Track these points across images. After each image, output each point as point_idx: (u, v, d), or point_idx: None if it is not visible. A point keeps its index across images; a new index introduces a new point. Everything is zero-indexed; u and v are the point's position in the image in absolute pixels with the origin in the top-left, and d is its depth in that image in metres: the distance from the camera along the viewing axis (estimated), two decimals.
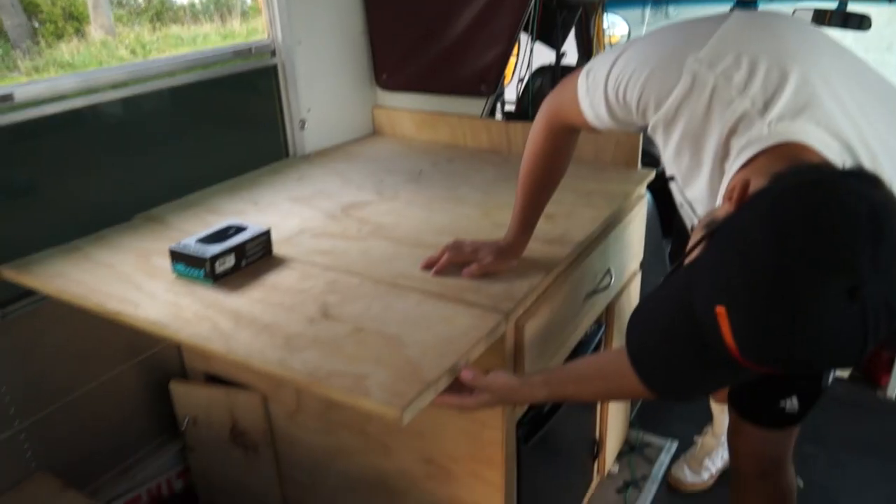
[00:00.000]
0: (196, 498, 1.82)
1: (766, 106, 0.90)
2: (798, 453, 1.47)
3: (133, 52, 9.98)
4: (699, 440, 2.09)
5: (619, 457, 2.13)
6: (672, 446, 2.18)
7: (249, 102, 1.92)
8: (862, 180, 0.71)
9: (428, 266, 1.28)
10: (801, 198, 0.70)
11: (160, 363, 1.71)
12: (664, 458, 2.13)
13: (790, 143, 0.87)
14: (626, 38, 3.17)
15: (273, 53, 1.83)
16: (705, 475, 2.02)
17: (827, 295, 0.65)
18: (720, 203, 0.95)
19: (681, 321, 0.78)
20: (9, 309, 1.38)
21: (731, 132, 0.93)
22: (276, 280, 1.28)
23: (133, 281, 1.27)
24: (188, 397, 1.67)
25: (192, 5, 11.00)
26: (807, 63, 0.92)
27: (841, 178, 0.72)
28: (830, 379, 1.30)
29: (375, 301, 1.20)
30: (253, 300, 1.21)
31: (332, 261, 1.35)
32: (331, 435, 1.53)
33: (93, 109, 1.51)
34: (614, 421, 1.97)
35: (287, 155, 1.96)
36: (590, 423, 1.84)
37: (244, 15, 11.68)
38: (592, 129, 1.17)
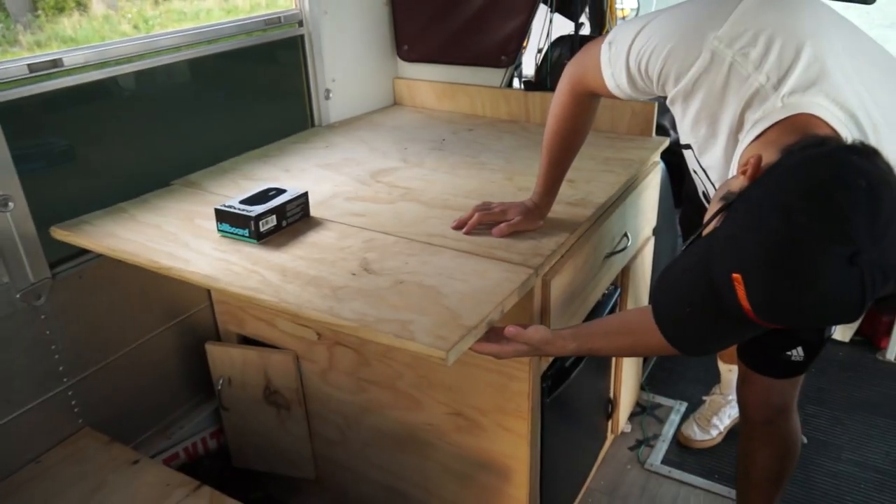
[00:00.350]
0: (229, 457, 1.90)
1: (780, 81, 0.97)
2: (801, 414, 1.55)
3: (136, 26, 9.97)
4: (707, 399, 2.17)
5: (631, 417, 2.22)
6: (681, 407, 2.27)
7: (277, 72, 1.97)
8: (862, 155, 0.80)
9: (458, 226, 1.35)
10: (806, 174, 0.80)
11: (195, 326, 1.78)
12: (674, 418, 2.22)
13: (801, 114, 0.95)
14: (634, 13, 3.20)
15: (300, 23, 1.88)
16: (713, 432, 2.11)
17: (829, 262, 0.75)
18: (733, 171, 1.03)
19: (701, 286, 0.87)
20: (59, 269, 1.44)
21: (747, 106, 1.00)
22: (315, 239, 1.35)
23: (180, 240, 1.34)
24: (223, 358, 1.74)
25: None
26: (818, 38, 0.98)
27: (842, 154, 0.81)
28: (833, 331, 1.38)
29: (412, 257, 1.27)
30: (296, 257, 1.28)
31: (367, 222, 1.41)
32: (361, 392, 1.61)
33: (130, 77, 1.57)
34: (627, 383, 2.05)
35: (312, 125, 2.02)
36: (605, 384, 1.92)
37: None
38: (613, 97, 1.23)
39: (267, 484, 1.90)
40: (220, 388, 1.77)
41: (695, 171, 1.24)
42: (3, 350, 1.37)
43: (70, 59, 1.38)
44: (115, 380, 1.62)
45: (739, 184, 0.88)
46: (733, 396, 2.08)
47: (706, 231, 0.90)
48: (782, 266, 0.77)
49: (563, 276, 1.33)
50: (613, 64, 1.16)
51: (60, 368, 1.49)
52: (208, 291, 1.75)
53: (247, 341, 1.75)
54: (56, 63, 1.35)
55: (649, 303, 1.01)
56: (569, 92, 1.31)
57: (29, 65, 1.32)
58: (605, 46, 1.18)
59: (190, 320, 1.76)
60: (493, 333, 1.14)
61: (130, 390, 1.67)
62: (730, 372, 2.07)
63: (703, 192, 1.30)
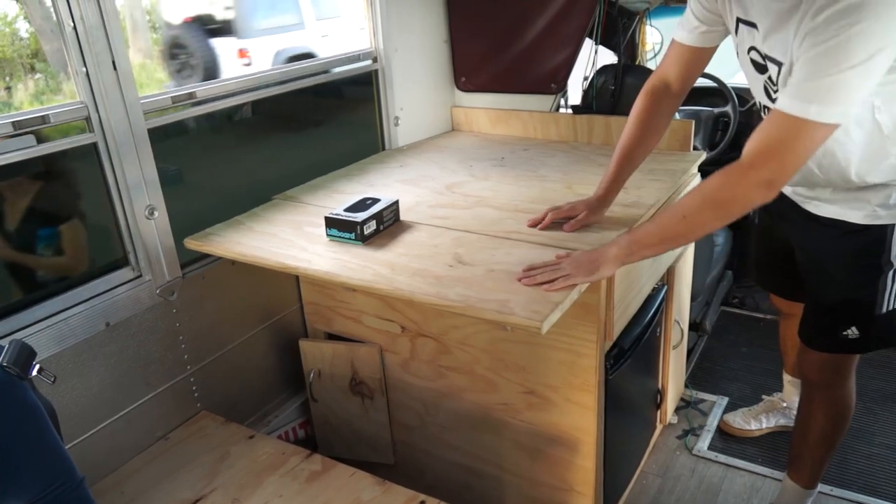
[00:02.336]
0: (315, 445, 2.11)
1: None
2: None
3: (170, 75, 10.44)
4: (766, 399, 2.32)
5: (677, 410, 2.40)
6: (723, 401, 2.45)
7: (354, 102, 2.25)
8: None
9: (533, 224, 1.59)
10: None
11: (287, 325, 2.01)
12: (717, 412, 2.40)
13: None
14: (659, 46, 3.44)
15: (375, 59, 2.15)
16: (754, 426, 2.26)
17: None
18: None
19: None
20: (187, 269, 1.69)
21: None
22: (411, 239, 1.58)
23: (297, 244, 1.58)
24: (314, 353, 1.96)
25: None
26: None
27: None
28: (885, 306, 1.52)
29: (496, 250, 1.49)
30: (398, 254, 1.51)
31: (451, 223, 1.65)
32: (440, 379, 1.82)
33: (241, 108, 1.83)
34: (673, 378, 2.23)
35: (383, 148, 2.28)
36: (654, 375, 2.12)
37: None
38: (686, 58, 1.51)
39: None
40: (310, 380, 1.99)
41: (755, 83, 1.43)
42: (146, 338, 1.61)
43: (201, 92, 1.65)
44: (224, 371, 1.85)
45: None
46: (790, 407, 2.22)
47: None
48: None
49: (623, 267, 1.54)
50: (682, 20, 1.48)
51: (186, 357, 1.72)
52: (298, 293, 1.98)
53: (332, 338, 1.98)
54: (192, 95, 1.62)
55: None
56: (645, 91, 1.58)
57: (172, 97, 1.58)
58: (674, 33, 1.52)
59: (283, 320, 2.00)
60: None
61: (236, 381, 1.90)
62: (792, 386, 2.20)
63: (761, 105, 1.48)
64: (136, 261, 1.59)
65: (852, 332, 1.55)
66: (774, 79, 1.34)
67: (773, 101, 1.33)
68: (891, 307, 1.53)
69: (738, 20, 1.39)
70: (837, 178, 1.47)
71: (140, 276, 1.59)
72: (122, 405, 1.59)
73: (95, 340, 1.50)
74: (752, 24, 1.35)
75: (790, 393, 2.24)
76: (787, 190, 1.64)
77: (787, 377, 2.25)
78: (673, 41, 1.54)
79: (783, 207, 1.66)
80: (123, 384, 1.58)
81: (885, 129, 1.36)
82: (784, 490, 1.92)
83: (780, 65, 1.30)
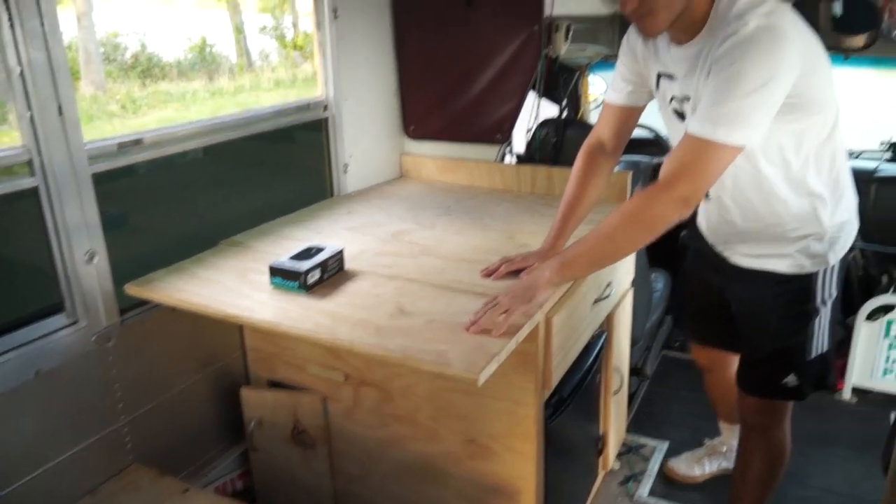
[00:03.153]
0: (254, 497, 2.07)
1: None
2: None
3: (123, 106, 10.30)
4: (707, 444, 2.37)
5: (619, 456, 2.43)
6: (664, 446, 2.50)
7: (304, 149, 2.27)
8: None
9: (488, 274, 1.64)
10: None
11: (229, 372, 1.98)
12: (658, 456, 2.44)
13: None
14: (602, 97, 3.60)
15: (325, 108, 2.18)
16: (698, 471, 2.31)
17: None
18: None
19: None
20: (126, 315, 1.66)
21: None
22: (354, 288, 1.60)
23: (240, 292, 1.58)
24: (256, 401, 1.94)
25: (179, 63, 11.41)
26: None
27: None
28: (815, 351, 1.65)
29: (438, 300, 1.52)
30: (340, 303, 1.52)
31: (395, 272, 1.67)
32: (383, 427, 1.81)
33: (190, 153, 1.83)
34: (614, 424, 2.27)
35: (332, 194, 2.30)
36: (595, 421, 2.15)
37: (230, 72, 12.08)
38: (619, 118, 1.65)
39: None
40: (251, 429, 1.96)
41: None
42: (78, 386, 1.57)
43: (149, 139, 1.65)
44: (160, 420, 1.81)
45: None
46: (729, 451, 2.27)
47: None
48: None
49: (561, 315, 1.58)
50: (610, 87, 1.66)
51: (120, 406, 1.68)
52: (242, 340, 1.96)
53: (275, 386, 1.96)
54: (139, 141, 1.62)
55: None
56: (583, 151, 1.71)
57: (119, 143, 1.58)
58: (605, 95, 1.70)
59: (225, 367, 1.97)
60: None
61: (172, 431, 1.86)
62: (730, 432, 2.27)
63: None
64: (73, 306, 1.55)
65: (791, 379, 1.66)
66: None
67: None
68: (820, 351, 1.65)
69: (659, 74, 1.55)
70: (759, 227, 1.57)
71: (76, 322, 1.56)
72: (47, 458, 1.53)
73: (23, 390, 1.46)
74: (670, 76, 1.50)
75: (728, 437, 2.30)
76: (718, 245, 1.73)
77: (722, 424, 2.32)
78: (605, 102, 1.68)
79: (715, 261, 1.75)
80: (50, 436, 1.53)
81: (794, 167, 1.48)
82: None
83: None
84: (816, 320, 1.62)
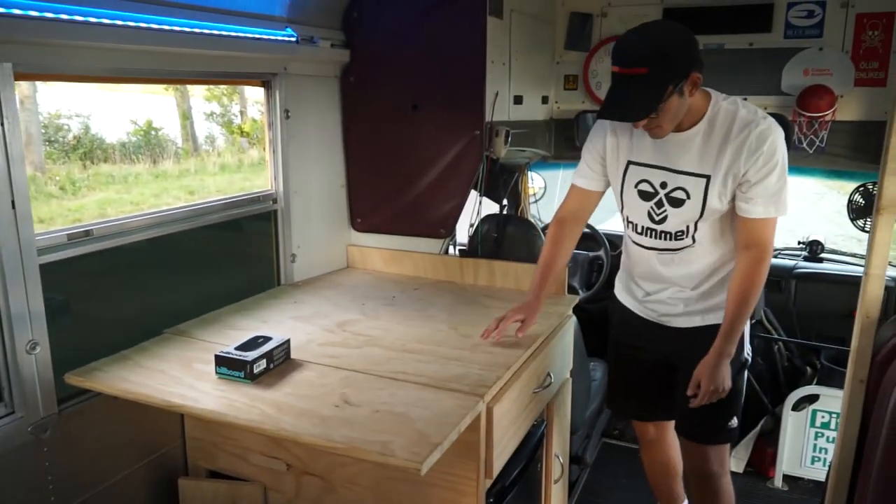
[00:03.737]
0: None
1: None
2: None
3: (63, 188, 10.13)
4: None
5: None
6: None
7: (252, 240, 2.33)
8: None
9: (487, 336, 1.85)
10: None
11: (167, 462, 1.94)
12: None
13: None
14: (543, 190, 3.81)
15: (274, 200, 2.26)
16: None
17: None
18: None
19: None
20: (65, 405, 1.64)
21: None
22: (300, 378, 1.63)
23: (185, 382, 1.59)
24: (194, 492, 1.90)
25: (123, 145, 11.39)
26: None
27: None
28: (742, 397, 1.97)
29: (381, 391, 1.57)
30: (286, 393, 1.55)
31: (340, 363, 1.71)
32: None
33: (140, 244, 1.86)
34: None
35: (279, 283, 2.34)
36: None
37: (176, 156, 12.10)
38: (584, 197, 1.96)
39: None
40: None
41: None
42: (8, 479, 1.52)
43: (98, 231, 1.68)
44: None
45: None
46: None
47: None
48: None
49: (502, 405, 1.65)
50: (577, 170, 1.97)
51: (52, 499, 1.63)
52: (182, 428, 1.93)
53: (215, 476, 1.93)
54: (88, 233, 1.65)
55: None
56: (555, 222, 2.01)
57: (68, 234, 1.61)
58: (572, 180, 1.99)
59: (164, 457, 1.93)
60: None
61: None
62: None
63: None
64: (11, 397, 1.53)
65: (733, 422, 1.94)
66: (663, 201, 1.84)
67: (656, 221, 1.86)
68: (744, 396, 1.98)
69: (629, 162, 1.87)
70: (694, 284, 1.92)
71: (12, 412, 1.53)
72: None
73: None
74: (646, 164, 1.84)
75: None
76: (653, 316, 1.99)
77: None
78: (573, 185, 2.00)
79: (648, 333, 2.01)
80: None
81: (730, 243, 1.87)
82: None
83: (706, 177, 1.78)
84: (745, 371, 1.96)
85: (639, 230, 1.92)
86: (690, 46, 1.66)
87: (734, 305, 1.78)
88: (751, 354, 1.97)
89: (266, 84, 2.19)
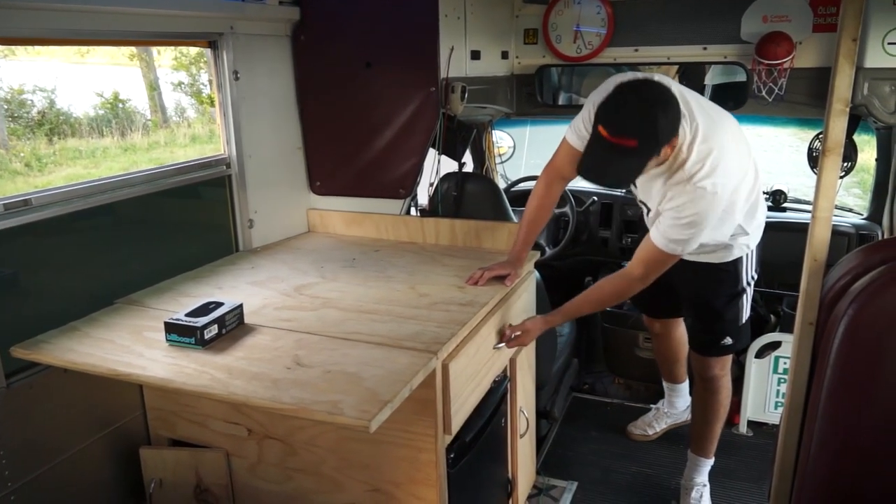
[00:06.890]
0: None
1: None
2: (670, 482, 2.12)
3: (28, 164, 9.90)
4: (654, 408, 2.89)
5: (529, 498, 2.48)
6: (573, 486, 2.57)
7: (207, 206, 2.28)
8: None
9: (473, 283, 1.96)
10: None
11: (127, 433, 1.92)
12: (567, 497, 2.51)
13: None
14: (511, 150, 3.77)
15: (227, 165, 2.21)
16: (650, 431, 2.84)
17: None
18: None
19: None
20: (13, 379, 1.61)
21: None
22: (252, 342, 1.61)
23: (134, 351, 1.56)
24: (155, 461, 1.89)
25: (90, 119, 11.11)
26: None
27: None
28: (741, 319, 2.25)
29: (334, 351, 1.56)
30: (237, 358, 1.53)
31: (295, 326, 1.70)
32: (288, 482, 1.81)
33: (85, 212, 1.82)
34: (523, 467, 2.33)
35: (237, 249, 2.31)
36: (503, 465, 2.20)
37: (144, 128, 11.84)
38: (574, 157, 1.89)
39: None
40: (151, 491, 1.90)
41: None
42: None
43: (38, 200, 1.63)
44: (52, 486, 1.74)
45: None
46: (671, 410, 2.86)
47: None
48: None
49: (459, 361, 1.65)
50: (573, 126, 1.96)
51: (6, 473, 1.61)
52: (142, 399, 1.92)
53: (177, 444, 1.92)
54: (27, 202, 1.60)
55: None
56: (543, 178, 2.10)
57: (5, 204, 1.56)
58: (566, 132, 1.99)
59: (123, 428, 1.91)
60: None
61: (66, 497, 1.78)
62: (670, 390, 2.83)
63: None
64: None
65: (727, 340, 2.25)
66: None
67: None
68: (744, 320, 2.25)
69: None
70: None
71: None
72: None
73: None
74: None
75: (670, 395, 2.84)
76: None
77: (666, 385, 2.83)
78: (564, 140, 2.02)
79: None
80: None
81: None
82: (691, 464, 2.44)
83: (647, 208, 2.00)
84: (743, 297, 2.20)
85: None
86: (674, 113, 1.70)
87: (582, 298, 2.01)
88: (751, 282, 2.20)
89: (212, 44, 2.13)
